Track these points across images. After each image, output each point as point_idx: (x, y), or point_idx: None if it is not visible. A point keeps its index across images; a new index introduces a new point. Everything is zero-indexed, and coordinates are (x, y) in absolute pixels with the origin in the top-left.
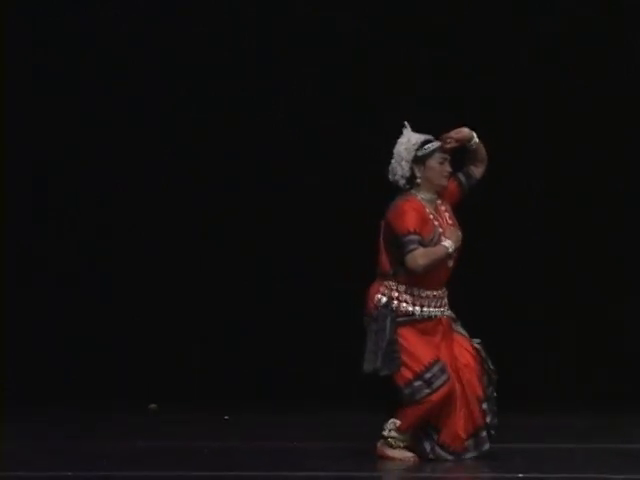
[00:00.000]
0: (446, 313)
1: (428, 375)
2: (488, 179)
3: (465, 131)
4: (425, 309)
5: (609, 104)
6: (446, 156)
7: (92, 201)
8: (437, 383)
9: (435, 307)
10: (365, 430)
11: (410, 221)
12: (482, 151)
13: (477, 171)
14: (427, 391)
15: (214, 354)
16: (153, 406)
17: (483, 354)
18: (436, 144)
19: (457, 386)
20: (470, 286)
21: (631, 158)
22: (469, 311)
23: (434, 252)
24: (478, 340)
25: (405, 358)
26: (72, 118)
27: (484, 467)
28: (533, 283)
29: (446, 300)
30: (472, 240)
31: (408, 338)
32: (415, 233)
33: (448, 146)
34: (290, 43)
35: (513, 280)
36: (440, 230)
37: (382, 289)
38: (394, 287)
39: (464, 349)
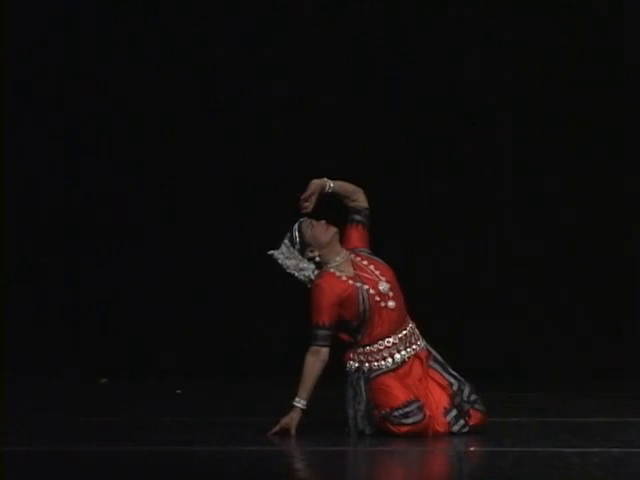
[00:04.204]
0: (421, 347)
1: (406, 410)
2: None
3: (314, 183)
4: (397, 356)
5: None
6: (309, 220)
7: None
8: (413, 419)
9: (406, 348)
10: (325, 405)
11: (321, 313)
12: (345, 185)
13: (360, 202)
14: (403, 421)
15: (167, 328)
16: (104, 380)
17: (455, 387)
18: (295, 227)
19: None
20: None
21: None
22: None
23: (305, 379)
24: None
25: (384, 397)
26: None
27: (437, 439)
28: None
29: (417, 333)
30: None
31: (386, 382)
32: (324, 327)
33: (310, 207)
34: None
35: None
36: (366, 287)
37: (352, 355)
38: (361, 350)
39: (436, 384)
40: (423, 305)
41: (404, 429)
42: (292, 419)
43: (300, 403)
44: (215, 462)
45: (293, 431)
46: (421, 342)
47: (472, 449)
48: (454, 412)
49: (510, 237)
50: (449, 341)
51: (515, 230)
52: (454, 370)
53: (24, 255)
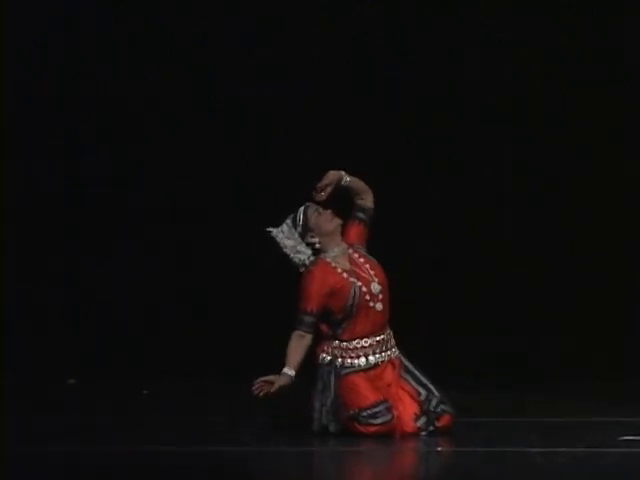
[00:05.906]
0: (395, 354)
1: (374, 410)
2: None
3: (332, 174)
4: (371, 357)
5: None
6: (316, 206)
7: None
8: (382, 420)
9: (381, 352)
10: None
11: (310, 300)
12: (359, 182)
13: (367, 201)
14: (371, 421)
15: (166, 328)
16: (72, 381)
17: (423, 397)
18: (301, 210)
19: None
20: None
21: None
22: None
23: (291, 354)
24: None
25: (353, 396)
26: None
27: (405, 440)
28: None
29: (393, 341)
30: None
31: (355, 382)
32: (311, 314)
33: (324, 197)
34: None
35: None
36: (359, 283)
37: (326, 348)
38: (336, 345)
39: (406, 392)
40: (423, 304)
41: (372, 429)
42: (278, 379)
43: (290, 371)
44: (206, 463)
45: (274, 389)
46: (396, 350)
47: (440, 449)
48: (424, 419)
49: (510, 237)
50: (448, 341)
51: (515, 230)
52: (434, 374)
53: (24, 255)
